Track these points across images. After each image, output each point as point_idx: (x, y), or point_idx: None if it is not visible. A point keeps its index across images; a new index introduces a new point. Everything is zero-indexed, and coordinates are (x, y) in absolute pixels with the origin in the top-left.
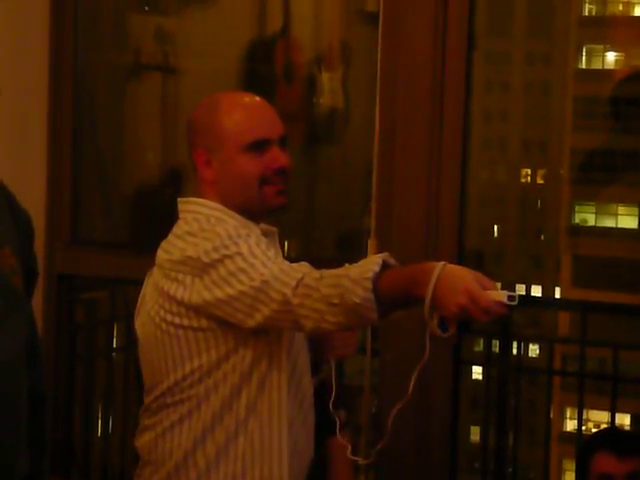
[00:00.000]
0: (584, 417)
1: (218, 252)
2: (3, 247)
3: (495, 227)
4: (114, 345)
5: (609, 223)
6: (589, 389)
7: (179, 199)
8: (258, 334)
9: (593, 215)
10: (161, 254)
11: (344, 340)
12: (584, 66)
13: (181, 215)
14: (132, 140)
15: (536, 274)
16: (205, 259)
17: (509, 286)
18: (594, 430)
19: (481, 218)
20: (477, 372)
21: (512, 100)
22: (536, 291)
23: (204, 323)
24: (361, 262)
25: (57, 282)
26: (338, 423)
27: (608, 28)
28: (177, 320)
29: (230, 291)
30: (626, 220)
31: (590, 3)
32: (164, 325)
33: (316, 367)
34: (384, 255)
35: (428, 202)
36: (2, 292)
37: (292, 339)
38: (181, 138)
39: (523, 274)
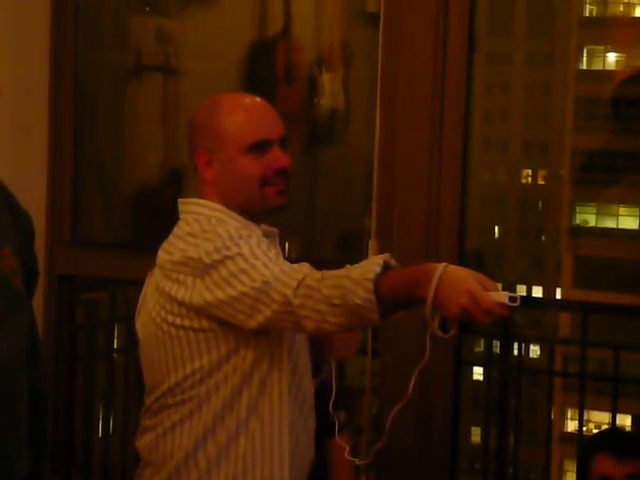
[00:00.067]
0: (585, 418)
1: (219, 253)
2: (3, 247)
3: (496, 228)
4: (115, 346)
5: (610, 224)
6: (590, 390)
7: (180, 200)
8: (259, 335)
9: (594, 216)
10: (162, 255)
11: (345, 341)
12: (585, 67)
13: (182, 216)
14: (133, 141)
15: (537, 275)
16: (206, 260)
17: (510, 287)
18: (595, 431)
19: (482, 219)
20: (478, 373)
21: (513, 101)
22: (537, 292)
23: (205, 324)
24: (362, 263)
25: (58, 282)
26: (337, 424)
27: (609, 29)
28: (178, 321)
29: (231, 292)
30: (627, 221)
31: (591, 4)
32: (165, 326)
33: (317, 368)
34: (385, 256)
35: (429, 203)
36: (2, 292)
37: (293, 340)
38: (181, 139)
39: (524, 275)
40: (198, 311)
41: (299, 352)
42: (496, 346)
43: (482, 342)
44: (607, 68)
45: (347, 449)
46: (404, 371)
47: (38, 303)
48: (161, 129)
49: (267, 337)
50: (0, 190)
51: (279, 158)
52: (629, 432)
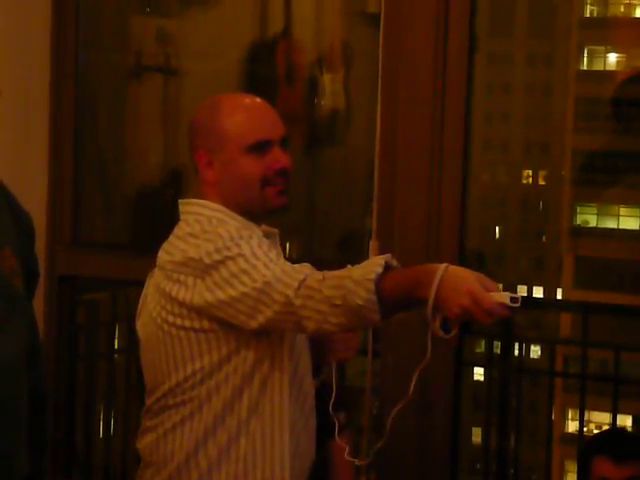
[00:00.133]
0: (586, 418)
1: (220, 253)
2: (3, 248)
3: (496, 228)
4: (115, 346)
5: (611, 224)
6: (591, 390)
7: (180, 200)
8: (260, 335)
9: (595, 216)
10: (162, 255)
11: (345, 342)
12: (585, 67)
13: (182, 216)
14: (133, 141)
15: (538, 275)
16: (207, 260)
17: (510, 287)
18: (596, 431)
19: (482, 219)
20: (479, 373)
21: (513, 101)
22: (538, 292)
23: (206, 324)
24: (363, 263)
25: (58, 283)
26: (338, 425)
27: (609, 29)
28: (179, 321)
29: (232, 292)
30: (628, 221)
31: (591, 4)
32: (165, 326)
33: (317, 369)
34: (386, 256)
35: (429, 203)
36: (2, 293)
37: (294, 340)
38: (182, 139)
39: (524, 275)
40: (199, 311)
41: (300, 352)
42: (497, 346)
43: (483, 342)
44: (608, 68)
45: (347, 449)
46: (405, 371)
47: (39, 304)
48: (161, 130)
49: (268, 337)
50: (0, 190)
51: (280, 158)
52: (629, 433)
